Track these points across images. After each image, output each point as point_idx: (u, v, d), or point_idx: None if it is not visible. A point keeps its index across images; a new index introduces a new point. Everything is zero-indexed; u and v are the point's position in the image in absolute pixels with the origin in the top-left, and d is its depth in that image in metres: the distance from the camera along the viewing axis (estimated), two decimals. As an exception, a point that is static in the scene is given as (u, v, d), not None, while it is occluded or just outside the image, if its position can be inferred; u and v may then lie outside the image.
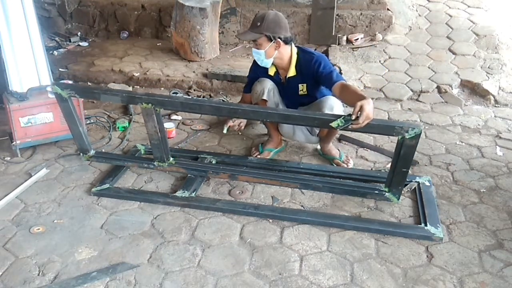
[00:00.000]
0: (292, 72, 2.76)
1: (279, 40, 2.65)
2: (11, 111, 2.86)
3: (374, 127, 2.28)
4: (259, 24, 2.63)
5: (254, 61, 2.87)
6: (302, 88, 2.80)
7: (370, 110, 2.16)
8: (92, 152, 2.88)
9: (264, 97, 2.78)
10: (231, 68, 4.28)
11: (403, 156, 2.33)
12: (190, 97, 3.84)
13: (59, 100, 2.66)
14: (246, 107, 2.54)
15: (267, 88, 2.78)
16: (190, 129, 3.42)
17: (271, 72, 2.84)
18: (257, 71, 2.88)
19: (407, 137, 2.26)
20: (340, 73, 2.77)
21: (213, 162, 2.87)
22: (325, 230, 2.32)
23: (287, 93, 2.85)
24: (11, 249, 2.19)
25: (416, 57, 4.41)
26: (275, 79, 2.84)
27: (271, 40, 2.64)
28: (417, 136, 2.27)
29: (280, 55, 2.72)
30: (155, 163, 2.76)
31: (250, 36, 2.70)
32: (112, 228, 2.34)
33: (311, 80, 2.74)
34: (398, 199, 2.52)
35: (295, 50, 2.76)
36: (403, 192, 2.59)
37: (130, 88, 4.07)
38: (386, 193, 2.52)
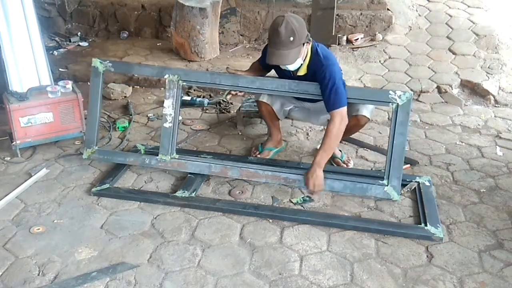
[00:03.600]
0: (302, 71, 2.62)
1: (309, 39, 2.52)
2: (11, 111, 2.86)
3: (370, 95, 2.60)
4: (292, 39, 2.39)
5: (264, 50, 2.71)
6: None
7: (313, 182, 2.48)
8: (95, 148, 2.87)
9: (265, 100, 2.79)
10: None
11: (399, 127, 2.46)
12: (190, 97, 3.84)
13: (93, 74, 2.87)
14: (262, 79, 2.69)
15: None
16: (190, 129, 3.42)
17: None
18: None
19: (400, 103, 2.46)
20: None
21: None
22: (325, 230, 2.32)
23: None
24: (11, 249, 2.19)
25: (416, 57, 4.41)
26: (285, 73, 2.69)
27: (303, 44, 2.49)
28: (409, 101, 2.48)
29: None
30: (158, 157, 2.74)
31: (293, 55, 2.44)
32: (112, 228, 2.34)
33: (314, 80, 2.61)
34: (398, 194, 2.52)
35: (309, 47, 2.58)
36: (402, 192, 2.59)
37: (130, 88, 4.07)
38: (386, 187, 2.52)
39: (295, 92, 2.66)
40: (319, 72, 2.53)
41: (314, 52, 2.59)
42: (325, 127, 3.02)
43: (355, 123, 2.71)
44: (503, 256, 2.16)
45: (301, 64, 2.59)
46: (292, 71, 2.63)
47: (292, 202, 2.55)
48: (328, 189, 2.60)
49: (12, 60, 2.94)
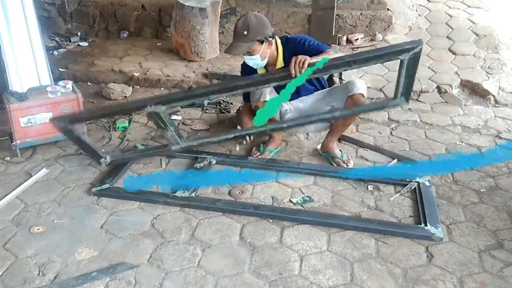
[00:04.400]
0: (280, 64, 2.76)
1: (270, 39, 2.67)
2: (11, 111, 2.86)
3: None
4: (246, 32, 2.58)
5: (242, 67, 2.92)
6: None
7: (297, 57, 2.33)
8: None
9: (267, 98, 2.78)
10: (231, 68, 4.29)
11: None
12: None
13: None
14: (247, 78, 2.59)
15: (268, 90, 2.78)
16: (190, 129, 3.42)
17: (261, 72, 2.83)
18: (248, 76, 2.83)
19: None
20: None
21: (213, 162, 2.87)
22: (325, 230, 2.32)
23: (282, 86, 2.81)
24: (11, 249, 2.19)
25: (416, 57, 4.40)
26: None
27: (262, 43, 2.64)
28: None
29: (271, 52, 2.74)
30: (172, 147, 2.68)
31: (244, 48, 2.63)
32: (112, 228, 2.34)
33: None
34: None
35: (279, 41, 2.77)
36: (402, 192, 2.59)
37: (130, 88, 4.07)
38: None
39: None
40: (297, 46, 2.67)
41: (285, 40, 2.77)
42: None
43: (352, 105, 2.75)
44: (503, 256, 2.16)
45: (277, 57, 2.73)
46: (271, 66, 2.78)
47: (292, 202, 2.55)
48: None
49: (12, 60, 2.95)
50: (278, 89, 2.81)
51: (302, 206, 2.52)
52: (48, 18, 5.38)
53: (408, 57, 2.32)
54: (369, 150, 3.12)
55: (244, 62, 2.84)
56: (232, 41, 2.68)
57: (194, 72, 4.32)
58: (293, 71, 2.33)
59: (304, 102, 2.95)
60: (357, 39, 4.66)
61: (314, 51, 2.61)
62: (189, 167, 2.87)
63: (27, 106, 2.89)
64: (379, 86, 4.01)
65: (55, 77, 3.71)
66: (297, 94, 2.85)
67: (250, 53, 2.67)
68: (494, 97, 3.86)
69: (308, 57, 2.34)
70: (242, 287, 1.98)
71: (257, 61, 2.71)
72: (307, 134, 3.29)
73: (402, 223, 2.39)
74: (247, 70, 2.86)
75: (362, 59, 2.35)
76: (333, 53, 2.59)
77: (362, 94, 2.73)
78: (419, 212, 2.45)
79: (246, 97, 2.99)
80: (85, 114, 2.95)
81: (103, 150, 2.92)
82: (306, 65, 2.31)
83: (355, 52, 2.67)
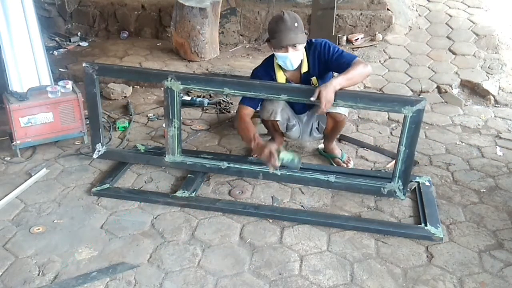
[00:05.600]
0: (305, 67, 2.61)
1: (306, 33, 2.57)
2: (11, 111, 2.86)
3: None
4: (296, 24, 2.45)
5: (259, 69, 2.72)
6: (313, 82, 2.66)
7: (325, 96, 2.34)
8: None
9: (278, 118, 2.72)
10: (231, 68, 4.28)
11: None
12: (189, 97, 3.84)
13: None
14: (259, 83, 2.56)
15: (280, 108, 2.71)
16: (190, 129, 3.42)
17: (282, 80, 2.67)
18: (264, 80, 2.64)
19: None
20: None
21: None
22: (325, 230, 2.32)
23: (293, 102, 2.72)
24: (11, 249, 2.19)
25: (416, 57, 4.41)
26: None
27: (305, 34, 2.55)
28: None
29: None
30: (166, 157, 2.76)
31: (303, 37, 2.50)
32: (112, 228, 2.34)
33: (320, 68, 2.61)
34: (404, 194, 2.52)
35: None
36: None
37: (130, 88, 4.07)
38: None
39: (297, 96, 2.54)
40: (322, 52, 2.57)
41: (307, 43, 2.62)
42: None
43: (332, 122, 2.73)
44: (503, 256, 2.17)
45: (301, 60, 2.59)
46: (291, 82, 2.63)
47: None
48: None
49: (12, 60, 2.95)
50: (290, 104, 2.79)
51: (302, 206, 2.52)
52: (48, 18, 5.37)
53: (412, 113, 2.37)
54: (369, 150, 3.12)
55: (258, 70, 2.71)
56: (286, 34, 2.45)
57: (194, 72, 4.31)
58: (322, 110, 2.40)
59: (303, 116, 2.92)
60: (357, 39, 4.65)
61: (339, 62, 2.52)
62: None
63: (27, 106, 2.89)
64: (379, 86, 4.01)
65: (55, 77, 3.71)
66: (298, 109, 2.84)
67: (297, 48, 2.51)
68: (494, 97, 3.86)
69: (333, 99, 2.36)
70: (242, 287, 1.98)
71: (301, 56, 2.55)
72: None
73: (402, 223, 2.40)
74: (264, 75, 2.67)
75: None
76: (357, 67, 2.44)
77: (339, 113, 2.64)
78: (419, 212, 2.45)
79: (249, 102, 2.70)
80: (113, 67, 3.25)
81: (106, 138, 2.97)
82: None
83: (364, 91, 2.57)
